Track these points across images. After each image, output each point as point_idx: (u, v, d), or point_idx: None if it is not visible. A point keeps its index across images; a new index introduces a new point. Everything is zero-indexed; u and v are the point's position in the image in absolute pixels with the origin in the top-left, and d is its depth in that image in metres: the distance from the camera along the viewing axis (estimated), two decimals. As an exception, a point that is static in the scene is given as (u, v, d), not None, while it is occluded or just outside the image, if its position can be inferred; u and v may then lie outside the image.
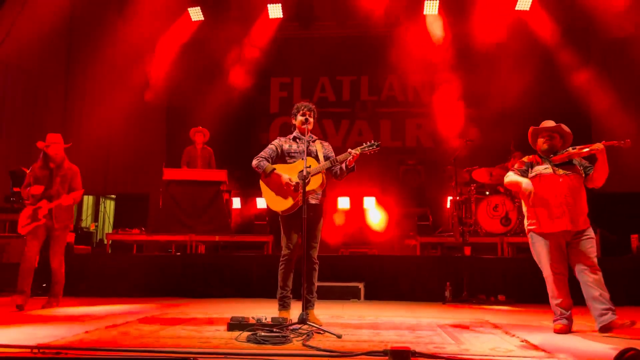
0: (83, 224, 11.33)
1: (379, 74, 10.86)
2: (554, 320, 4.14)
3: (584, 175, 4.21)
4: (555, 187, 4.15)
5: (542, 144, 4.35)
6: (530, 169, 4.32)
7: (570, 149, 4.22)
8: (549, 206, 4.14)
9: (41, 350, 3.05)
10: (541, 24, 9.79)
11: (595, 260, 4.04)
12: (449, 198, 8.25)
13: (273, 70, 11.05)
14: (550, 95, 9.45)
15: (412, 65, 10.26)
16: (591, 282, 3.97)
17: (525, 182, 4.14)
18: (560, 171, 4.18)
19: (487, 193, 7.80)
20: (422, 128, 10.72)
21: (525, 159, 4.43)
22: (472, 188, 7.78)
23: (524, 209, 4.38)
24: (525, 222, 4.36)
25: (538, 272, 6.35)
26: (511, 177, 4.32)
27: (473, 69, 9.82)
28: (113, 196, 11.40)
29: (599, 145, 4.04)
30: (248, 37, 10.59)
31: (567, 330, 4.05)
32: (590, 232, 4.14)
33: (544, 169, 4.24)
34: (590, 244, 4.08)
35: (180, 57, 10.74)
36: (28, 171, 5.77)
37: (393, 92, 10.96)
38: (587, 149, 4.11)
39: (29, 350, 3.05)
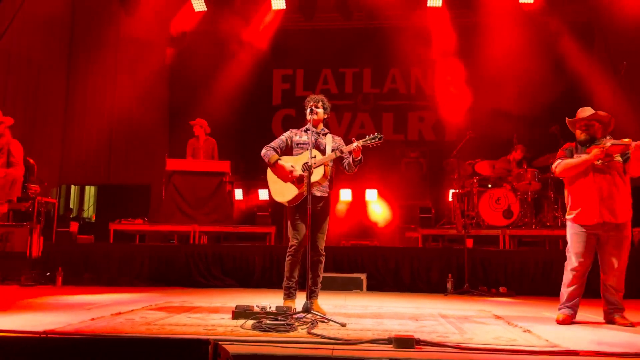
0: (85, 214, 11.37)
1: (381, 66, 10.87)
2: (559, 309, 4.19)
3: (622, 162, 4.13)
4: (598, 177, 4.11)
5: (579, 134, 4.29)
6: (572, 156, 4.23)
7: (608, 139, 4.11)
8: (586, 197, 4.11)
9: (49, 336, 3.08)
10: (545, 16, 9.77)
11: (620, 258, 4.05)
12: (451, 191, 8.26)
13: (275, 62, 11.04)
14: (553, 87, 9.44)
15: (415, 58, 10.28)
16: (608, 280, 4.08)
17: (592, 155, 4.06)
18: (599, 161, 4.11)
19: (490, 186, 7.81)
20: (424, 121, 10.72)
21: (565, 146, 4.36)
22: (475, 181, 7.79)
23: (567, 199, 4.33)
24: (567, 211, 4.31)
25: (539, 264, 6.47)
26: (564, 162, 4.20)
27: (476, 63, 9.81)
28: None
29: (633, 144, 3.98)
30: (251, 29, 10.58)
31: (569, 320, 4.10)
32: (628, 227, 4.10)
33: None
34: (624, 240, 4.07)
35: (183, 48, 10.73)
36: None
37: (395, 84, 10.95)
38: (621, 145, 4.04)
39: (37, 335, 3.07)
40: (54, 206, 8.00)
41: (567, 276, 4.19)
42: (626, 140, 4.05)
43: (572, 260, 4.17)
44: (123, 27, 10.55)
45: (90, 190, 11.91)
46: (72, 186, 11.44)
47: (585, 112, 4.31)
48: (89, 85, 10.94)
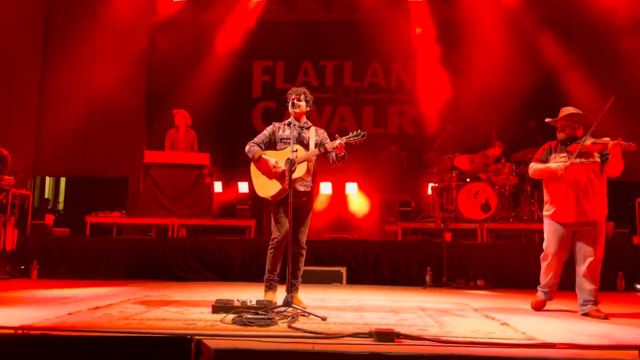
0: (60, 207, 11.15)
1: (362, 60, 10.85)
2: (537, 290, 4.53)
3: (601, 163, 4.24)
4: (572, 177, 4.22)
5: (558, 134, 4.43)
6: (548, 157, 4.42)
7: (587, 138, 4.19)
8: (562, 196, 4.27)
9: (25, 331, 3.03)
10: (525, 12, 9.88)
11: (595, 253, 4.18)
12: (431, 185, 8.33)
13: (256, 53, 10.93)
14: (532, 82, 9.55)
15: (395, 52, 10.30)
16: (584, 274, 4.21)
17: (555, 166, 4.25)
18: (576, 160, 4.21)
19: (468, 180, 7.89)
20: (404, 115, 10.75)
21: (545, 146, 4.53)
22: (454, 175, 7.87)
23: (545, 195, 4.49)
24: (544, 207, 4.52)
25: (515, 258, 6.57)
26: (535, 166, 4.46)
27: (456, 57, 9.89)
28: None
29: (610, 143, 4.07)
30: (231, 19, 10.47)
31: (541, 304, 4.46)
32: (602, 225, 4.24)
33: (561, 157, 4.31)
34: (597, 238, 4.20)
35: (162, 37, 10.58)
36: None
37: (376, 78, 10.95)
38: (600, 144, 4.15)
39: (12, 331, 3.01)
40: (28, 198, 7.83)
41: (543, 267, 4.49)
42: (605, 139, 4.15)
43: (547, 254, 4.43)
44: (100, 14, 10.36)
45: (64, 182, 11.67)
46: (47, 178, 11.21)
47: (565, 112, 4.44)
48: (64, 74, 10.71)
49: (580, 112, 4.40)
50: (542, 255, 4.48)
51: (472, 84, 9.59)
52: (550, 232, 4.40)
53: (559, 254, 4.35)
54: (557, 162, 4.28)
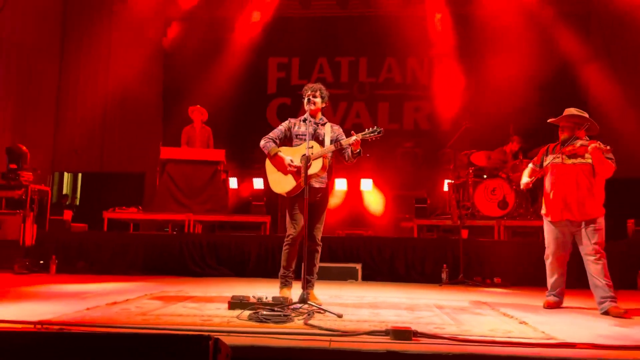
0: (78, 202, 11.29)
1: (378, 55, 10.78)
2: (547, 295, 4.54)
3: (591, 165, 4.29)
4: (562, 177, 4.35)
5: (559, 134, 4.50)
6: (544, 158, 4.54)
7: (578, 140, 4.33)
8: (555, 196, 4.38)
9: (44, 326, 3.06)
10: (542, 5, 9.74)
11: (594, 250, 4.19)
12: (447, 181, 8.26)
13: (271, 50, 10.92)
14: (550, 77, 9.41)
15: (411, 48, 10.23)
16: (592, 272, 4.22)
17: (522, 181, 4.69)
18: (569, 161, 4.32)
19: (485, 176, 7.81)
20: (420, 111, 10.67)
21: (543, 149, 4.67)
22: (470, 171, 7.79)
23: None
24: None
25: (533, 255, 6.49)
26: (523, 175, 4.77)
27: (472, 52, 9.78)
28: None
29: (590, 146, 4.19)
30: (247, 15, 10.48)
31: (554, 305, 4.45)
32: (597, 222, 4.24)
33: (554, 158, 4.40)
34: (592, 235, 4.22)
35: (178, 32, 10.63)
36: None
37: (392, 74, 10.88)
38: (585, 146, 4.26)
39: (31, 325, 3.05)
40: (47, 194, 7.93)
41: (547, 267, 4.55)
42: (595, 143, 4.22)
43: (547, 254, 4.53)
44: (117, 9, 10.44)
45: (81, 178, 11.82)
46: (65, 173, 11.36)
47: (566, 113, 4.47)
48: (81, 70, 10.83)
49: (583, 113, 4.41)
50: (545, 254, 4.58)
51: (489, 78, 9.48)
52: (547, 232, 4.53)
53: (558, 252, 4.44)
54: (553, 161, 4.42)
